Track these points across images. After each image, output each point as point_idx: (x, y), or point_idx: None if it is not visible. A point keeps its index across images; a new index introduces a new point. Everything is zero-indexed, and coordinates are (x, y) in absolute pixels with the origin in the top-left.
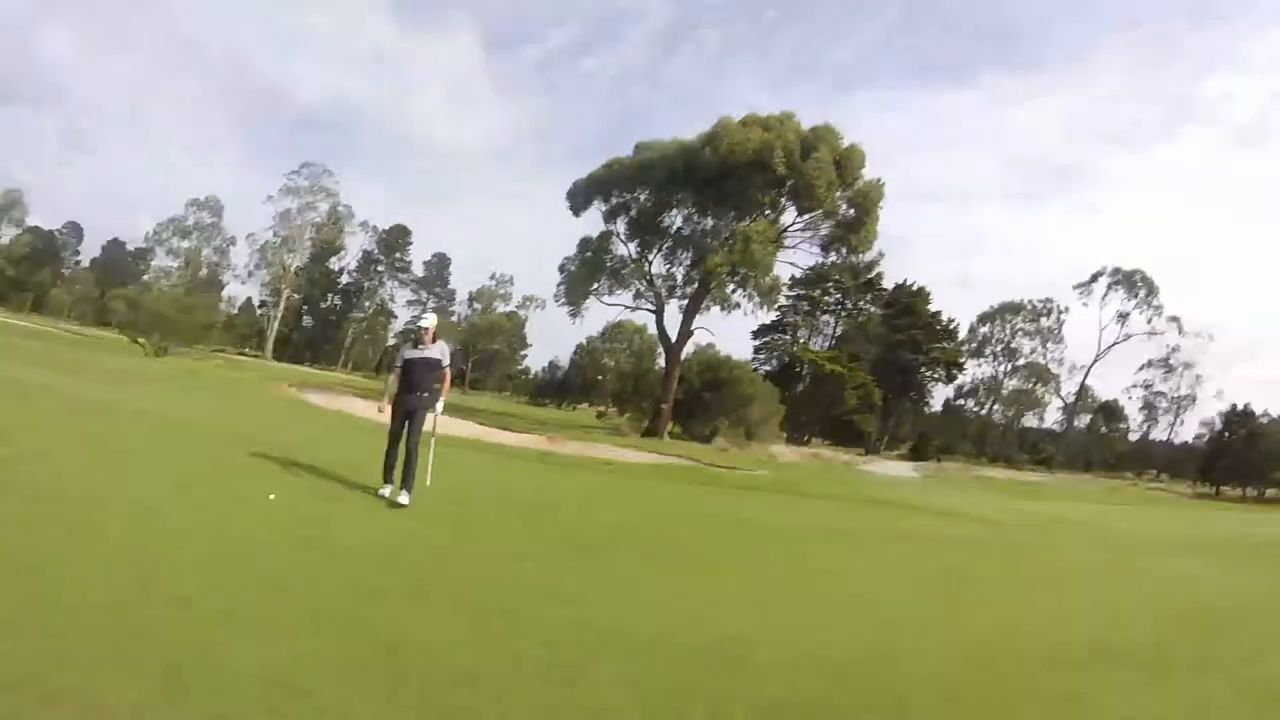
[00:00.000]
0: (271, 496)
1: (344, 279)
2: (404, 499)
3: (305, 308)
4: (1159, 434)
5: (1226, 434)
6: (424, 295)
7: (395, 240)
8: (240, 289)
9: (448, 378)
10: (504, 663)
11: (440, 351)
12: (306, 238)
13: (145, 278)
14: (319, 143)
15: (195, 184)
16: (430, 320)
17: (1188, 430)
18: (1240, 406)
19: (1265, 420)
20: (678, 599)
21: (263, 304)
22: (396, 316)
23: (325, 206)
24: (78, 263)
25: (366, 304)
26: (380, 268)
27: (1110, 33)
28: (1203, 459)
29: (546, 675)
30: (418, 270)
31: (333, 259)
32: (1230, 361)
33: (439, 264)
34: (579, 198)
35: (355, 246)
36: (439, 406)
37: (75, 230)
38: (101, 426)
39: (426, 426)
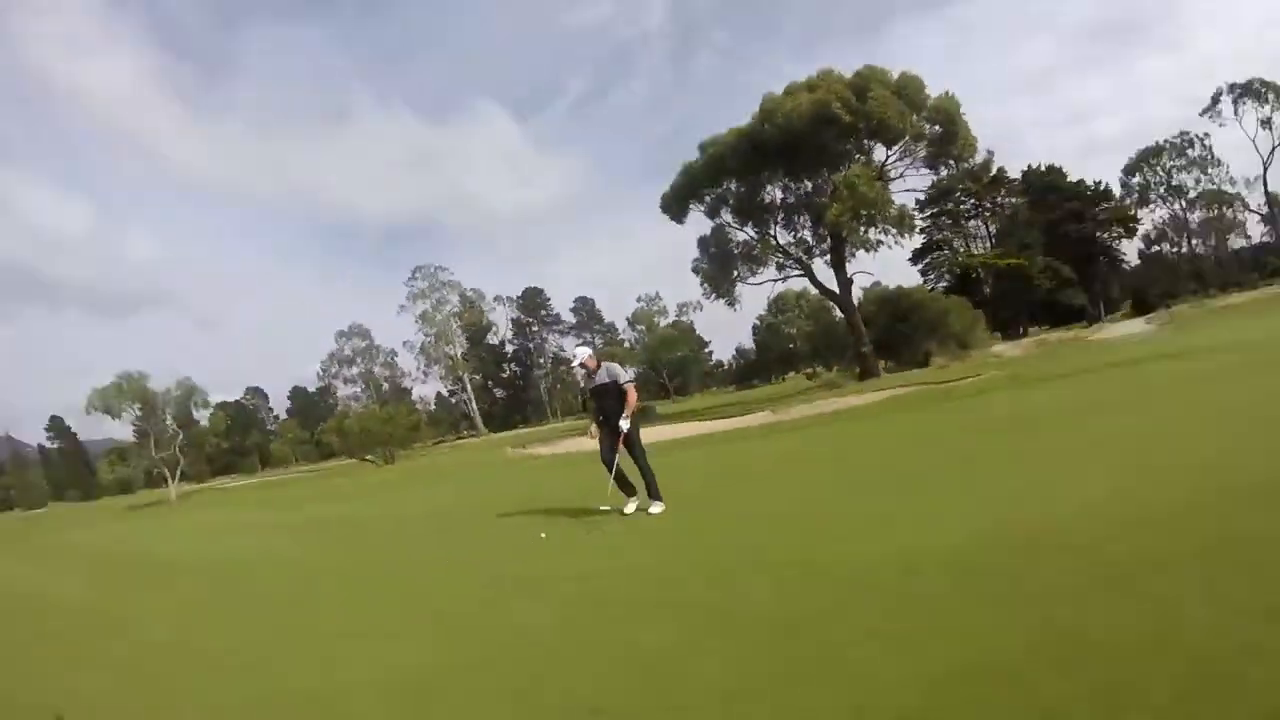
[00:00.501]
0: (543, 535)
1: (507, 348)
2: (655, 508)
3: (489, 384)
4: None
5: None
6: (586, 335)
7: (532, 300)
8: (423, 389)
9: (629, 394)
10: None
11: (609, 374)
12: (455, 327)
13: (339, 408)
14: (412, 252)
15: (330, 321)
16: (581, 353)
17: None
18: None
19: None
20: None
21: (451, 393)
22: (575, 358)
23: (455, 297)
24: (275, 417)
25: (540, 359)
26: (533, 327)
27: None
28: None
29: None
30: (568, 319)
31: (488, 336)
32: None
33: (585, 305)
34: (673, 208)
35: (501, 320)
36: (624, 423)
37: (259, 393)
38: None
39: (634, 436)
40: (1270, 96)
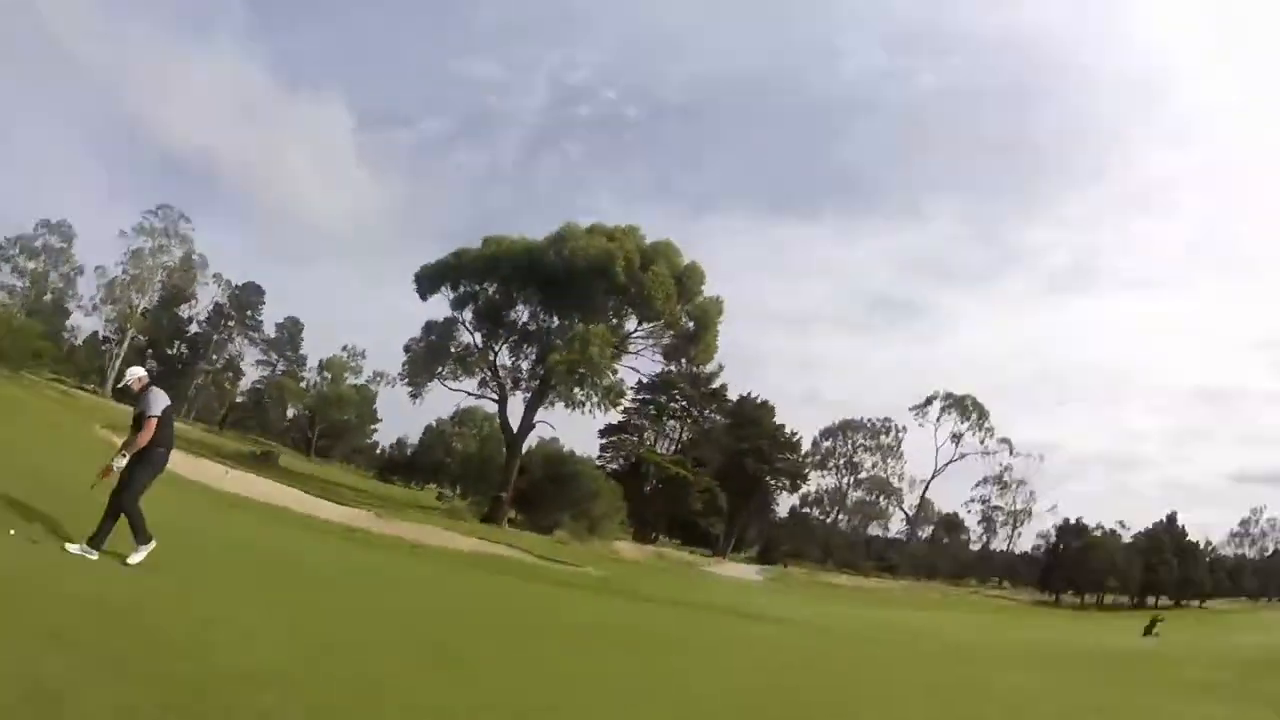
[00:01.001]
0: (12, 532)
1: (193, 328)
2: (135, 557)
3: (150, 351)
4: (999, 544)
5: (1061, 545)
6: (273, 356)
7: (248, 298)
8: (85, 321)
9: (144, 429)
10: None
11: (141, 402)
12: (157, 280)
13: None
14: (180, 186)
15: (45, 206)
16: (133, 373)
17: (1025, 541)
18: (1073, 520)
19: (1098, 533)
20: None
21: (106, 340)
22: (245, 374)
23: (179, 252)
24: None
25: (214, 357)
26: (231, 323)
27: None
28: (1041, 568)
29: None
30: (269, 331)
31: (183, 306)
32: (1062, 478)
33: (291, 327)
34: (426, 282)
35: (206, 297)
36: (118, 460)
37: None
38: None
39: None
40: (974, 416)
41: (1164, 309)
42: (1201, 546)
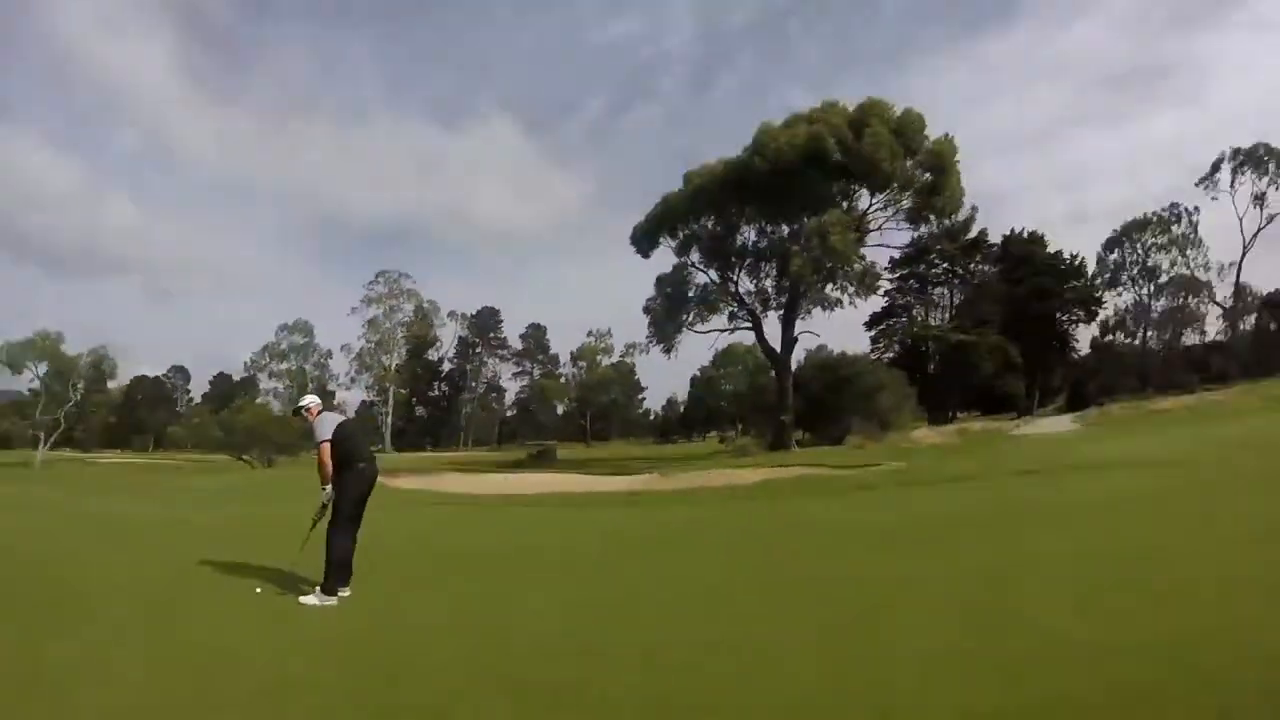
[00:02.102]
0: (258, 590)
1: (445, 366)
2: (311, 599)
3: (414, 400)
4: None
5: None
6: (527, 365)
7: (487, 321)
8: (348, 395)
9: (319, 457)
10: None
11: (314, 433)
12: (400, 337)
13: (258, 401)
14: (393, 255)
15: (282, 313)
16: (308, 401)
17: None
18: None
19: None
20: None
21: (371, 403)
22: (506, 390)
23: (410, 307)
24: (190, 400)
25: (473, 384)
26: (478, 349)
27: None
28: None
29: None
30: (515, 344)
31: (430, 351)
32: None
33: (535, 333)
34: (643, 240)
35: (449, 336)
36: (322, 493)
37: (182, 373)
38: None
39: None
40: (1271, 166)
41: None
42: None
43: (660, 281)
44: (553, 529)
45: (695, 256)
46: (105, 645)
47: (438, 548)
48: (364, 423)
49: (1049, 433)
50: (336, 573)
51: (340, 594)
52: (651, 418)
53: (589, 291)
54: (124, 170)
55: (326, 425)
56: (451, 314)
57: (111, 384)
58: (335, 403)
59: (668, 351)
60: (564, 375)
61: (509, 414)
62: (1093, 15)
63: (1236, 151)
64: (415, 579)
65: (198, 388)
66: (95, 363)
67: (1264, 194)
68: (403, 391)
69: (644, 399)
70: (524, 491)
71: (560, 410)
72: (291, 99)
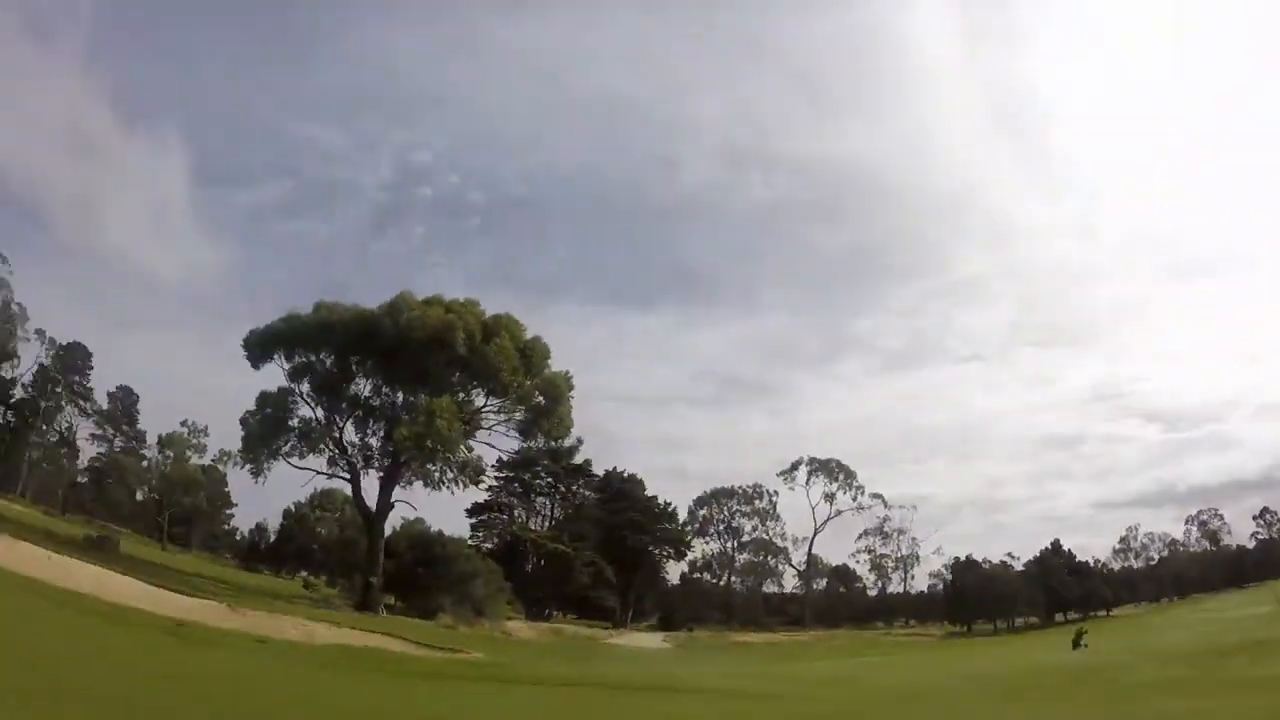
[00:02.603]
0: None
1: (17, 391)
2: None
3: None
4: (894, 588)
5: (956, 581)
6: (108, 430)
7: (74, 360)
8: None
9: None
10: None
11: None
12: None
13: None
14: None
15: None
16: None
17: (919, 582)
18: (963, 557)
19: (987, 566)
20: None
21: None
22: (80, 449)
23: None
24: None
25: (43, 427)
26: (59, 389)
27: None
28: (944, 604)
29: None
30: (101, 400)
31: (4, 365)
32: (939, 523)
33: (125, 398)
34: (257, 350)
35: (30, 356)
36: None
37: None
38: None
39: None
40: (841, 477)
41: (998, 377)
42: (1091, 564)
43: (263, 399)
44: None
45: (305, 387)
46: None
47: None
48: None
49: (644, 646)
50: None
51: None
52: (238, 537)
53: (195, 375)
54: None
55: None
56: (40, 332)
57: None
58: None
59: (256, 475)
60: (148, 459)
61: (81, 479)
62: (720, 326)
63: (814, 459)
64: None
65: None
66: None
67: (833, 494)
68: None
69: (233, 515)
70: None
71: (139, 497)
72: None
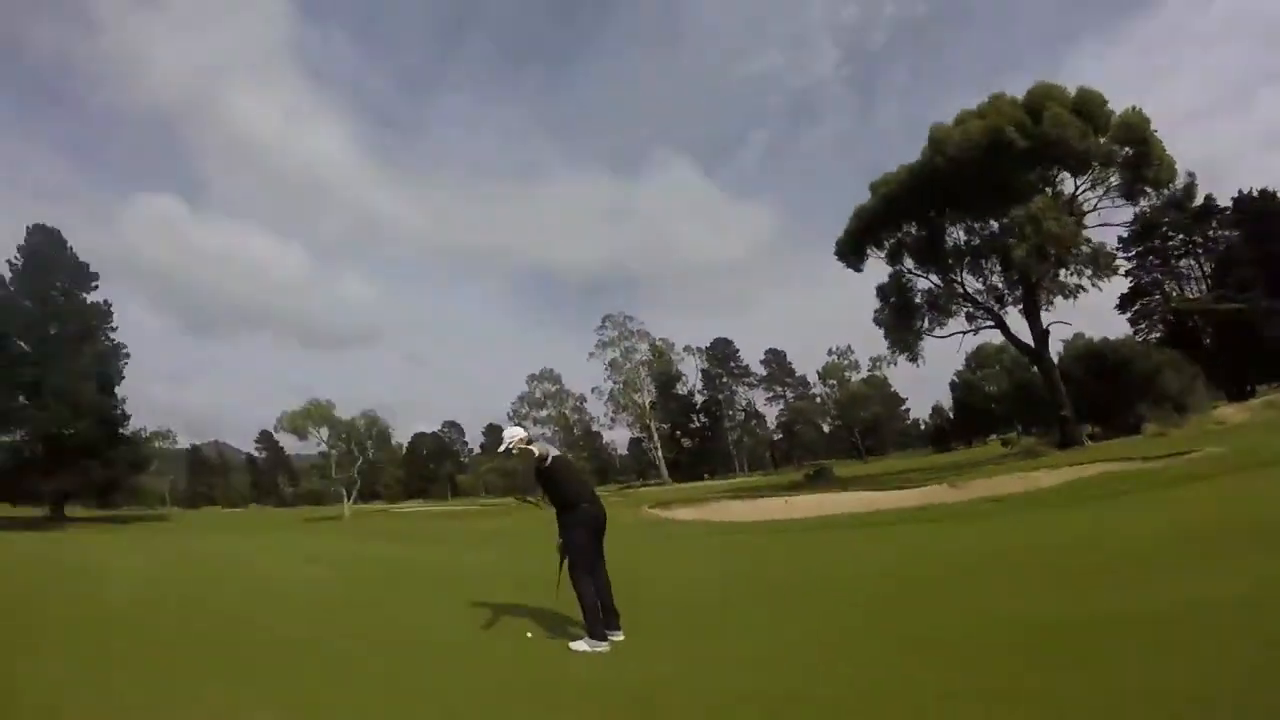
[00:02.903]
0: (529, 635)
1: (696, 399)
2: (579, 645)
3: (677, 433)
4: None
5: None
6: (777, 389)
7: (721, 351)
8: (612, 434)
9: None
10: None
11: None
12: (644, 376)
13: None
14: (611, 299)
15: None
16: (511, 435)
17: None
18: None
19: None
20: None
21: (638, 441)
22: (764, 415)
23: (644, 346)
24: (469, 450)
25: (730, 412)
26: (723, 378)
27: None
28: None
29: None
30: (758, 370)
31: (677, 385)
32: None
33: (776, 358)
34: (848, 255)
35: (691, 369)
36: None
37: (456, 427)
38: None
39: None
40: None
41: None
42: None
43: (881, 291)
44: (846, 553)
45: (909, 263)
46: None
47: (730, 578)
48: (572, 462)
49: None
50: (593, 617)
51: (613, 638)
52: (921, 427)
53: (812, 312)
54: (341, 249)
55: (540, 454)
56: (687, 348)
57: (394, 441)
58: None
59: (913, 360)
60: (817, 395)
61: (776, 438)
62: None
63: None
64: (699, 619)
65: (474, 438)
66: (369, 424)
67: None
68: (664, 426)
69: (908, 409)
70: (807, 514)
71: (826, 429)
72: (472, 166)
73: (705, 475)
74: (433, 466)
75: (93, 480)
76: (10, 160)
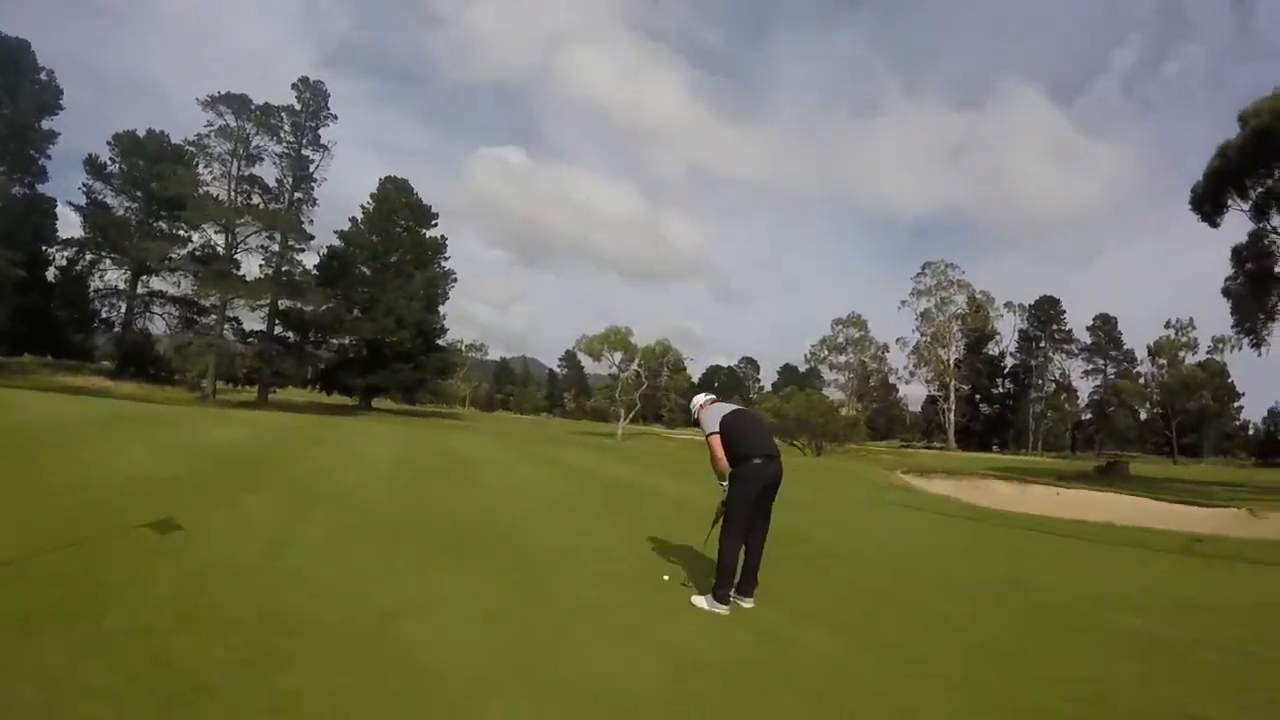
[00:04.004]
0: (665, 578)
1: (1007, 361)
2: (699, 601)
3: (976, 396)
4: None
5: None
6: (1098, 362)
7: (1045, 312)
8: (909, 389)
9: (710, 448)
10: None
11: (703, 427)
12: (955, 330)
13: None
14: (937, 245)
15: (836, 308)
16: (695, 401)
17: None
18: None
19: None
20: None
21: (933, 400)
22: (1076, 390)
23: (961, 299)
24: (760, 388)
25: (1039, 381)
26: (1041, 343)
27: None
28: None
29: None
30: (1082, 338)
31: (989, 345)
32: None
33: (1105, 325)
34: (1203, 205)
35: (1007, 329)
36: (721, 491)
37: (751, 363)
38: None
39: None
40: None
41: None
42: None
43: (1237, 254)
44: (1074, 571)
45: (1277, 220)
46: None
47: (914, 571)
48: (757, 415)
49: None
50: (725, 579)
51: (741, 603)
52: (1250, 431)
53: (1160, 273)
54: (673, 192)
55: (713, 417)
56: (1008, 304)
57: (689, 371)
58: (698, 404)
59: (1257, 346)
60: (1141, 374)
61: (1084, 418)
62: None
63: None
64: (830, 605)
65: (767, 376)
66: (663, 352)
67: None
68: (964, 387)
69: (1240, 406)
70: (1061, 515)
71: (1143, 416)
72: (802, 108)
73: (995, 447)
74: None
75: (401, 380)
76: (378, 129)
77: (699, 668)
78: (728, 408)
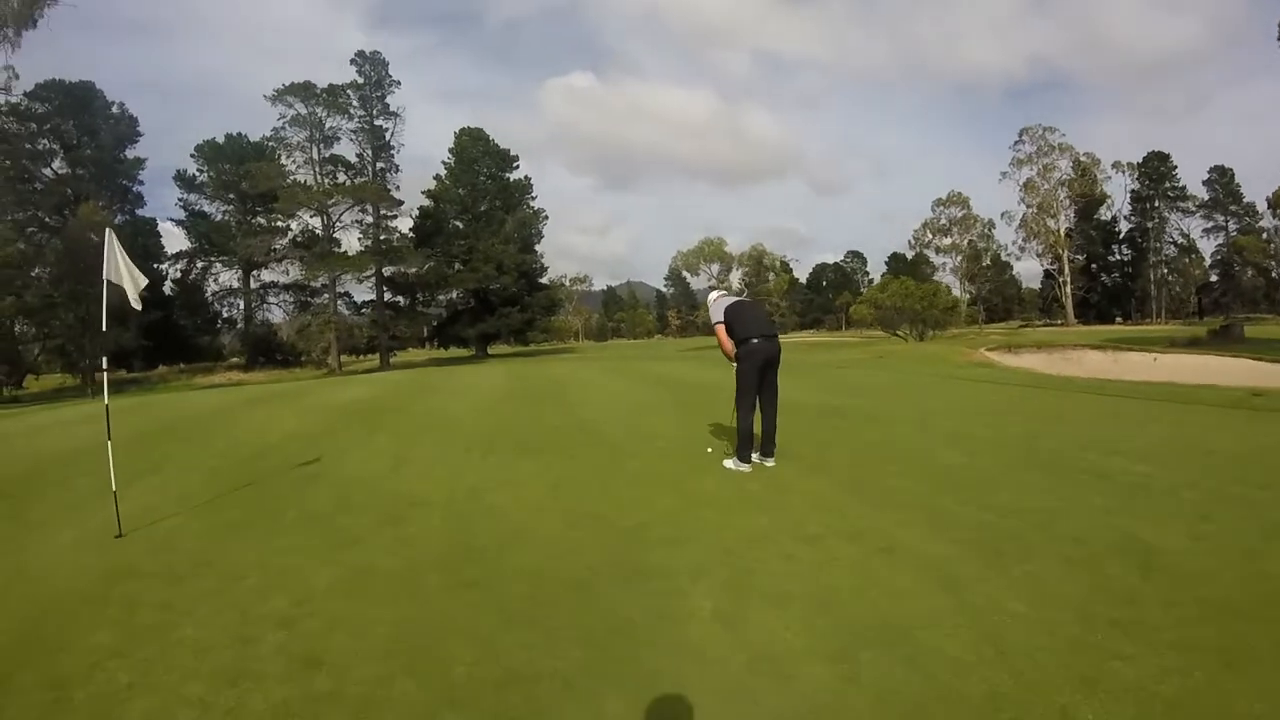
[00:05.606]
0: (709, 450)
1: (1121, 226)
2: (729, 463)
3: (1093, 267)
4: None
5: None
6: (1218, 218)
7: (1155, 169)
8: (1022, 265)
9: (717, 337)
10: None
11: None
12: (1063, 198)
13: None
14: (1034, 109)
15: (935, 188)
16: (709, 297)
17: None
18: None
19: None
20: None
21: (1049, 275)
22: (1199, 252)
23: (1065, 163)
24: (870, 281)
25: (1158, 245)
26: (1155, 204)
27: None
28: None
29: None
30: (1198, 193)
31: (1100, 210)
32: None
33: (1221, 179)
34: None
35: (1118, 191)
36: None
37: (858, 257)
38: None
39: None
40: None
41: None
42: None
43: None
44: (1074, 426)
45: None
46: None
47: (935, 430)
48: (757, 303)
49: None
50: (744, 442)
51: (763, 463)
52: None
53: (1277, 115)
54: (747, 88)
55: (717, 309)
56: (1115, 165)
57: (796, 272)
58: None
59: None
60: (1265, 230)
61: (1211, 279)
62: None
63: None
64: (841, 461)
65: (876, 268)
66: (757, 256)
67: None
68: (1079, 258)
69: None
70: (1151, 379)
71: (1276, 274)
72: None
73: (1117, 319)
74: (831, 297)
75: (510, 324)
76: (441, 79)
77: (706, 502)
78: (731, 299)
